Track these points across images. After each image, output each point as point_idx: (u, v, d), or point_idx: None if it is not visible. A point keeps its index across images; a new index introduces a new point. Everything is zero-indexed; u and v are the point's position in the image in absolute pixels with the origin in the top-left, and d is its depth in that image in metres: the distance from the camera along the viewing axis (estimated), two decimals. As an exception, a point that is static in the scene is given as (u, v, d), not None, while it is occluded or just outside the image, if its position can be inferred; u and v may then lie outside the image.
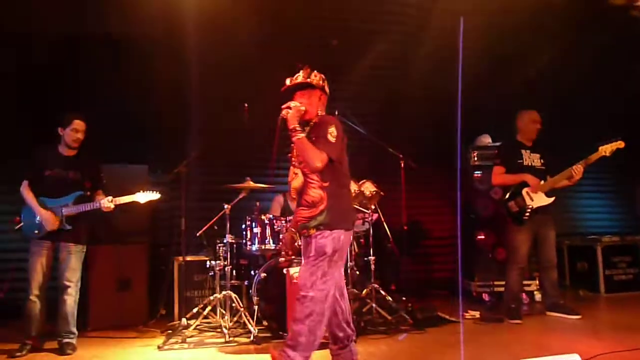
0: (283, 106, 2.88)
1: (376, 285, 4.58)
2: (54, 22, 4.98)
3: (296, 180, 2.94)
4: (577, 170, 4.45)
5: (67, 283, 3.93)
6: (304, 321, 2.71)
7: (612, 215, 7.27)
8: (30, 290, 3.88)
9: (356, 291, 4.56)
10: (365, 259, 4.76)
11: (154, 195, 4.13)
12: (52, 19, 4.93)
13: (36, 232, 3.93)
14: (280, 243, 2.80)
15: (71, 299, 3.95)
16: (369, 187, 4.79)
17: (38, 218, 3.93)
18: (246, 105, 5.08)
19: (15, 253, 4.98)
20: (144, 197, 4.10)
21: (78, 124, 4.03)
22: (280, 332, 4.09)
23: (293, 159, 2.98)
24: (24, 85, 5.29)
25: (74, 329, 3.99)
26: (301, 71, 3.00)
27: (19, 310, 3.97)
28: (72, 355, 3.86)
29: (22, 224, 4.00)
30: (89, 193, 4.09)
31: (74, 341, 3.96)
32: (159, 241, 5.45)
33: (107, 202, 3.97)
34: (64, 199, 3.98)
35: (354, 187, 4.78)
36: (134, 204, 4.09)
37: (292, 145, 2.93)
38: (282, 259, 4.22)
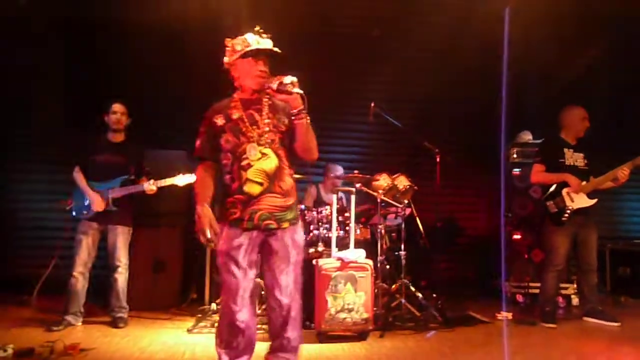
0: (282, 80, 2.47)
1: (406, 281, 4.52)
2: (93, 6, 5.10)
3: (268, 161, 2.53)
4: (624, 172, 4.26)
5: (118, 263, 4.21)
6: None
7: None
8: (74, 267, 4.13)
9: (386, 286, 4.53)
10: (396, 253, 4.71)
11: (192, 178, 4.24)
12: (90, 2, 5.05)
13: (85, 212, 4.18)
14: (200, 221, 2.52)
15: (122, 277, 4.24)
16: (402, 181, 4.74)
17: (87, 200, 4.17)
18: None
19: (62, 232, 5.21)
20: (182, 179, 4.23)
21: (116, 106, 4.30)
22: (307, 322, 4.10)
23: (255, 135, 2.55)
24: (67, 71, 5.46)
25: (126, 304, 4.26)
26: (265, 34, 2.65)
27: (64, 286, 4.19)
28: (106, 331, 4.03)
29: (72, 205, 4.26)
30: (133, 177, 4.30)
31: (126, 315, 4.24)
32: (194, 226, 5.54)
33: (150, 185, 4.18)
34: (110, 183, 4.21)
35: (387, 180, 4.75)
36: (172, 187, 4.25)
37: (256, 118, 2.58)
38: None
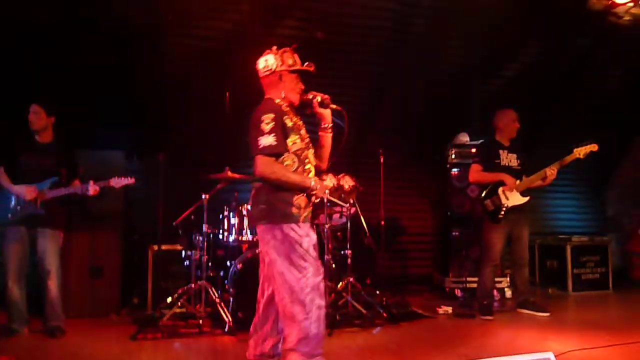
0: (322, 95, 2.75)
1: (352, 279, 4.60)
2: (24, 5, 4.81)
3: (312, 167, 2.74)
4: (551, 171, 4.55)
5: (49, 267, 3.97)
6: None
7: (582, 216, 7.47)
8: (8, 277, 3.91)
9: (332, 285, 4.58)
10: (342, 252, 4.78)
11: (129, 180, 4.09)
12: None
13: (10, 215, 3.93)
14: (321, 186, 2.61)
15: (54, 284, 4.00)
16: (347, 181, 4.79)
17: (13, 202, 3.93)
18: (228, 93, 5.03)
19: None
20: (119, 182, 4.07)
21: (33, 107, 4.07)
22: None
23: (302, 151, 2.68)
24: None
25: (61, 313, 4.03)
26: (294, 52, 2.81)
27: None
28: (43, 341, 3.82)
29: None
30: (64, 180, 4.08)
31: (62, 324, 4.00)
32: (133, 229, 5.36)
33: (92, 186, 3.96)
34: (39, 185, 3.96)
35: (332, 180, 4.80)
36: (109, 189, 4.08)
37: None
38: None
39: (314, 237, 2.63)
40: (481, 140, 5.28)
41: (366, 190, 4.97)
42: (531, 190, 4.76)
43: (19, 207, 3.93)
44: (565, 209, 7.42)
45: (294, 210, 2.58)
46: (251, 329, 2.82)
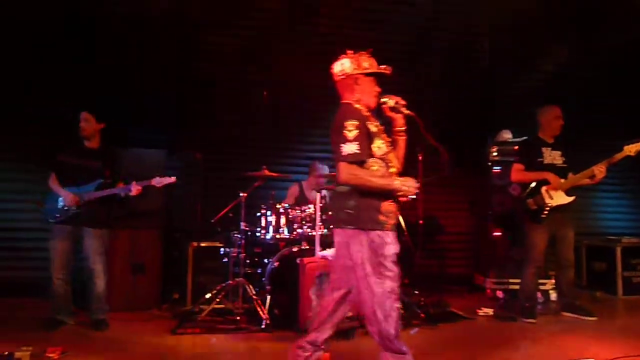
0: (398, 100, 2.75)
1: (389, 279, 4.54)
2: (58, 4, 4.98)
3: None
4: (600, 169, 4.35)
5: (94, 266, 4.13)
6: None
7: (632, 216, 7.12)
8: (53, 272, 4.08)
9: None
10: (379, 251, 4.73)
11: (170, 179, 4.19)
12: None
13: (57, 215, 4.10)
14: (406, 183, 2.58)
15: (100, 281, 4.17)
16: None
17: (61, 203, 4.11)
18: (266, 92, 5.07)
19: (32, 232, 5.12)
20: (160, 181, 4.18)
21: (83, 115, 4.24)
22: (292, 322, 4.10)
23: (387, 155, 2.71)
24: (41, 71, 5.33)
25: (106, 306, 4.20)
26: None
27: (37, 288, 4.11)
28: (88, 333, 3.97)
29: (45, 207, 4.19)
30: (109, 181, 4.23)
31: (106, 317, 4.16)
32: (174, 226, 5.49)
33: (135, 186, 4.10)
34: (86, 187, 4.14)
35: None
36: (150, 188, 4.17)
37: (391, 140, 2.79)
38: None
39: (397, 245, 2.65)
40: (524, 138, 5.11)
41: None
42: (577, 189, 4.58)
43: (65, 208, 4.10)
44: (613, 209, 7.10)
45: (382, 217, 2.59)
46: (315, 319, 2.84)
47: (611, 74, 6.18)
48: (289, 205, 4.62)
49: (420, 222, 5.06)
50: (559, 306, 4.83)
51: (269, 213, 4.53)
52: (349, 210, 2.61)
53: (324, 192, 4.99)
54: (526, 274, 4.61)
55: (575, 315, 4.57)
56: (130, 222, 4.91)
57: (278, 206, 4.53)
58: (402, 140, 2.81)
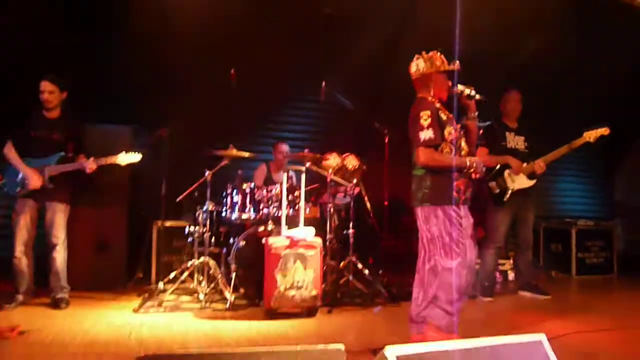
0: (469, 88, 3.09)
1: (354, 259, 4.62)
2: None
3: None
4: (540, 165, 4.56)
5: (55, 240, 4.06)
6: None
7: (589, 200, 7.41)
8: (15, 248, 3.99)
9: (334, 263, 4.60)
10: (345, 232, 4.79)
11: (135, 157, 4.15)
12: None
13: (18, 189, 4.00)
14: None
15: (60, 256, 4.09)
16: (351, 161, 4.80)
17: (20, 176, 4.01)
18: (233, 70, 4.99)
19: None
20: (125, 158, 4.12)
21: (43, 84, 4.08)
22: (257, 300, 4.13)
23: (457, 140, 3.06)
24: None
25: (66, 284, 4.13)
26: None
27: (3, 266, 4.04)
28: (48, 312, 3.90)
29: (4, 181, 4.06)
30: (70, 154, 4.14)
31: (66, 295, 4.10)
32: (139, 205, 5.40)
33: (90, 163, 4.03)
34: (46, 160, 4.04)
35: (336, 160, 4.80)
36: (115, 165, 4.10)
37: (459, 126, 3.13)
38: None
39: (470, 218, 3.05)
40: (488, 122, 5.21)
41: (371, 170, 4.96)
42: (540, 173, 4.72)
43: (26, 181, 3.98)
44: (572, 193, 7.37)
45: (455, 194, 2.95)
46: (413, 294, 3.18)
47: (575, 62, 6.33)
48: (255, 185, 4.61)
49: (386, 203, 5.12)
50: (517, 285, 5.02)
51: (235, 192, 4.51)
52: (425, 190, 2.98)
53: (291, 172, 4.99)
54: (486, 254, 4.75)
55: (532, 294, 4.76)
56: (94, 198, 4.80)
57: (244, 186, 4.51)
58: (473, 125, 3.17)
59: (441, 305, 2.97)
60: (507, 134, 4.73)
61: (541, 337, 1.80)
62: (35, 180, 3.95)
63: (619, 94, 6.59)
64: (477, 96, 3.11)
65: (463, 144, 3.10)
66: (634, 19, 5.55)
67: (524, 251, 4.84)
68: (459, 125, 3.12)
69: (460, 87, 3.10)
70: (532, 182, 4.65)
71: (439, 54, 3.10)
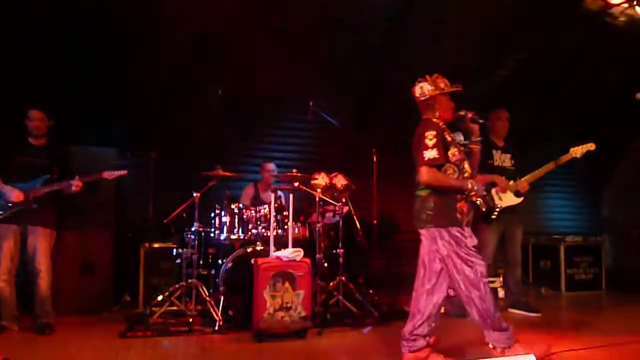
0: (472, 112, 3.22)
1: (344, 278, 4.59)
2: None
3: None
4: (523, 185, 4.63)
5: (39, 267, 3.99)
6: None
7: (576, 216, 7.47)
8: None
9: (324, 283, 4.57)
10: (334, 251, 4.77)
11: (121, 172, 4.14)
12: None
13: (1, 212, 3.93)
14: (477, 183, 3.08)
15: (45, 283, 4.02)
16: (340, 180, 4.81)
17: (2, 200, 3.94)
18: (220, 91, 5.01)
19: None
20: (111, 173, 4.15)
21: (33, 113, 4.11)
22: (246, 323, 4.07)
23: (460, 162, 3.12)
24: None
25: (51, 310, 4.05)
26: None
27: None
28: (32, 339, 3.81)
29: None
30: (56, 177, 4.10)
31: (51, 321, 4.01)
32: (125, 227, 5.35)
33: (76, 181, 4.01)
34: (31, 183, 4.00)
35: (325, 179, 4.81)
36: (101, 186, 4.07)
37: (465, 150, 3.22)
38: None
39: (475, 238, 3.08)
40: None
41: (360, 189, 4.97)
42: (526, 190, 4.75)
43: (10, 204, 3.92)
44: (559, 209, 7.42)
45: (458, 215, 3.02)
46: (411, 314, 3.26)
47: (560, 77, 6.43)
48: (243, 205, 4.59)
49: (375, 221, 5.12)
50: (506, 303, 5.01)
51: (223, 213, 4.49)
52: (429, 212, 3.04)
53: (280, 192, 4.98)
54: (476, 272, 4.74)
55: (521, 312, 4.75)
56: (79, 221, 4.77)
57: (232, 206, 4.49)
58: (477, 148, 3.26)
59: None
60: (494, 152, 4.77)
61: (530, 358, 1.80)
62: (16, 195, 3.90)
63: (604, 109, 6.69)
64: (481, 120, 3.22)
65: (466, 166, 3.14)
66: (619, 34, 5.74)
67: (513, 268, 4.85)
68: (462, 148, 3.19)
69: (462, 112, 3.22)
70: (519, 200, 4.68)
71: (441, 76, 3.19)
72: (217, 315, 4.06)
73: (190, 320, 4.07)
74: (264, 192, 5.28)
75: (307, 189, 4.68)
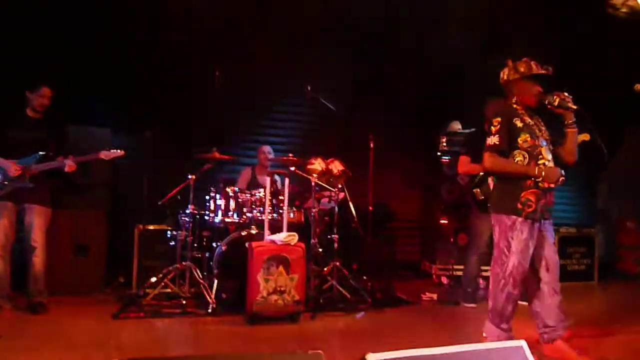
0: (561, 97, 3.04)
1: (338, 264, 4.60)
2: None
3: (553, 164, 3.06)
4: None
5: (34, 244, 3.97)
6: None
7: (571, 207, 7.48)
8: None
9: (318, 268, 4.57)
10: (329, 237, 4.77)
11: (118, 152, 4.11)
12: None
13: None
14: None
15: (39, 260, 4.00)
16: (337, 166, 4.80)
17: (1, 177, 3.92)
18: (218, 72, 4.96)
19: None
20: (108, 154, 4.09)
21: (45, 90, 4.05)
22: (239, 305, 4.08)
23: (546, 139, 3.07)
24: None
25: (45, 288, 4.03)
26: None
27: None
28: (25, 318, 3.80)
29: None
30: (51, 154, 4.05)
31: (45, 300, 4.00)
32: (120, 208, 5.32)
33: (69, 161, 3.96)
34: (27, 159, 3.96)
35: (321, 164, 4.80)
36: (96, 166, 4.04)
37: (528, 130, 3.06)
38: None
39: (530, 236, 2.96)
40: (473, 129, 5.25)
41: (356, 175, 4.96)
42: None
43: (6, 182, 3.90)
44: (555, 200, 7.42)
45: (519, 205, 2.95)
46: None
47: (557, 68, 6.39)
48: (239, 189, 4.58)
49: (370, 208, 5.12)
50: (500, 292, 5.03)
51: (218, 196, 4.47)
52: (493, 198, 3.14)
53: (276, 176, 4.97)
54: (470, 260, 4.77)
55: (514, 301, 4.77)
56: (74, 201, 4.75)
57: (228, 189, 4.47)
58: (571, 132, 3.08)
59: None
60: (490, 141, 4.75)
61: (522, 343, 1.80)
62: (13, 170, 3.86)
63: (601, 101, 6.67)
64: (571, 105, 3.02)
65: (544, 152, 3.03)
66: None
67: (506, 257, 4.86)
68: (543, 134, 3.08)
69: (549, 96, 3.05)
70: (515, 189, 4.67)
71: (527, 60, 3.10)
72: (210, 297, 4.06)
73: (184, 302, 4.08)
74: (261, 176, 5.26)
75: (303, 174, 4.67)
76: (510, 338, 3.01)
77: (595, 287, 5.99)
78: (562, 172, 2.98)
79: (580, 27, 6.02)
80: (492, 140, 3.01)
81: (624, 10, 5.66)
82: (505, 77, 3.15)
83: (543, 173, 2.93)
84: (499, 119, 3.02)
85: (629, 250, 6.64)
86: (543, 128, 3.13)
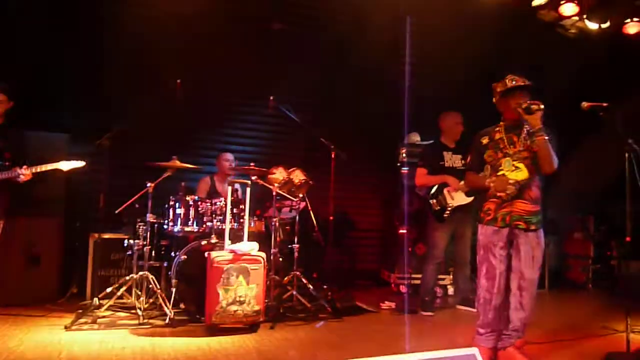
0: (531, 102, 3.01)
1: (298, 273, 4.61)
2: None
3: (520, 173, 3.10)
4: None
5: None
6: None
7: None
8: None
9: (278, 278, 4.57)
10: (290, 246, 4.79)
11: (79, 163, 4.01)
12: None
13: None
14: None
15: None
16: (298, 176, 4.84)
17: None
18: (179, 80, 4.92)
19: None
20: (68, 164, 3.97)
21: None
22: (198, 316, 4.03)
23: (511, 152, 3.14)
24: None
25: None
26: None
27: None
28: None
29: None
30: (7, 164, 3.96)
31: None
32: (75, 216, 5.17)
33: (24, 171, 3.82)
34: None
35: (283, 174, 4.82)
36: (52, 173, 3.97)
37: (517, 141, 3.15)
38: None
39: (498, 240, 3.09)
40: (431, 141, 5.39)
41: (317, 185, 5.00)
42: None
43: None
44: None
45: (482, 215, 3.19)
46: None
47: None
48: (199, 197, 4.54)
49: (331, 218, 5.16)
50: (456, 300, 5.17)
51: (177, 205, 4.42)
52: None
53: (236, 185, 4.95)
54: (427, 269, 4.88)
55: (469, 308, 4.91)
56: (27, 209, 4.56)
57: (188, 198, 4.43)
58: (539, 141, 3.02)
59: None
60: (445, 153, 4.89)
61: (474, 350, 1.87)
62: None
63: (554, 116, 6.94)
64: (533, 107, 2.98)
65: (504, 164, 3.12)
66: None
67: (462, 267, 5.00)
68: (507, 147, 3.14)
69: (524, 103, 3.02)
70: (470, 199, 4.81)
71: (508, 78, 3.16)
72: (168, 308, 4.00)
73: (141, 313, 4.00)
74: (221, 184, 5.23)
75: (264, 183, 4.68)
76: (487, 344, 3.19)
77: (545, 295, 6.21)
78: (511, 181, 3.08)
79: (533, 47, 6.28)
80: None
81: (572, 31, 5.95)
82: (494, 101, 3.30)
83: (492, 184, 3.11)
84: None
85: (577, 260, 6.92)
86: (519, 140, 3.13)
